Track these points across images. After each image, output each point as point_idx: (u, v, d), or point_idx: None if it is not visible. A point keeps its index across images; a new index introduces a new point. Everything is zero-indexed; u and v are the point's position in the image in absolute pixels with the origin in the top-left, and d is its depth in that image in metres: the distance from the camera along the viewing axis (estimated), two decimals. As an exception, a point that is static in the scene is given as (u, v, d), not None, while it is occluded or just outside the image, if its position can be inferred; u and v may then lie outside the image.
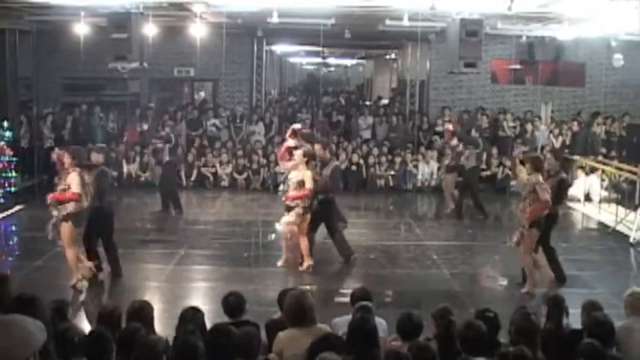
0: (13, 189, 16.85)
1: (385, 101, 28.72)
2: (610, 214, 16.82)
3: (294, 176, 12.18)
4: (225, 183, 20.36)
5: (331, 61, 37.64)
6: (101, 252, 11.80)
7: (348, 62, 40.48)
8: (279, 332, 5.97)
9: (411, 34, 19.68)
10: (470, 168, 17.03)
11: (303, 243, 12.35)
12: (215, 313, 7.21)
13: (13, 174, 16.97)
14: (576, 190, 18.90)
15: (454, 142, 17.18)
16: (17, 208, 16.47)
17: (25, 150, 19.79)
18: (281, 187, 19.71)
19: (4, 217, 15.95)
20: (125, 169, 19.96)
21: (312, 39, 21.59)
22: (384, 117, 23.04)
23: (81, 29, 17.29)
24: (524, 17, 16.49)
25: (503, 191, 19.94)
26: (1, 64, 20.21)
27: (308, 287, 10.47)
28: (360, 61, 38.51)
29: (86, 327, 7.78)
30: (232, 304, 6.61)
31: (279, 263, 12.58)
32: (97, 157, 11.68)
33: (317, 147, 12.98)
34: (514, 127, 21.60)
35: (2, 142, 17.08)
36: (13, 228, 15.50)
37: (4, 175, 16.68)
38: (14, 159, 17.16)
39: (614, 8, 13.02)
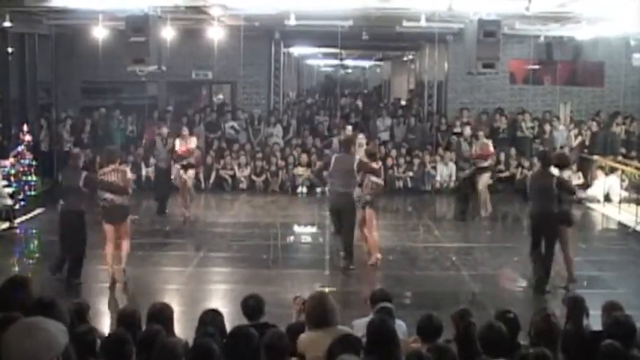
0: (33, 192, 16.95)
1: (403, 102, 28.70)
2: (630, 215, 16.70)
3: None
4: (243, 185, 20.38)
5: (349, 62, 37.63)
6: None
7: (366, 64, 40.43)
8: (300, 334, 5.96)
9: (428, 35, 19.70)
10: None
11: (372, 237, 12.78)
12: (234, 316, 7.22)
13: (33, 177, 17.08)
14: (596, 190, 18.83)
15: None
16: (37, 211, 16.56)
17: (45, 153, 19.92)
18: (299, 190, 19.91)
19: (24, 221, 16.03)
20: (144, 171, 19.98)
21: (330, 41, 21.59)
22: (402, 118, 23.00)
23: (99, 33, 17.35)
24: (543, 17, 16.42)
25: (523, 192, 19.81)
26: (20, 68, 20.38)
27: (327, 289, 10.47)
28: (378, 62, 38.48)
29: (106, 329, 7.81)
30: (252, 306, 6.61)
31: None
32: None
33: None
34: (532, 128, 21.49)
35: (22, 146, 17.19)
36: (34, 231, 15.58)
37: (24, 178, 16.79)
38: (34, 162, 17.27)
39: (633, 7, 12.94)
